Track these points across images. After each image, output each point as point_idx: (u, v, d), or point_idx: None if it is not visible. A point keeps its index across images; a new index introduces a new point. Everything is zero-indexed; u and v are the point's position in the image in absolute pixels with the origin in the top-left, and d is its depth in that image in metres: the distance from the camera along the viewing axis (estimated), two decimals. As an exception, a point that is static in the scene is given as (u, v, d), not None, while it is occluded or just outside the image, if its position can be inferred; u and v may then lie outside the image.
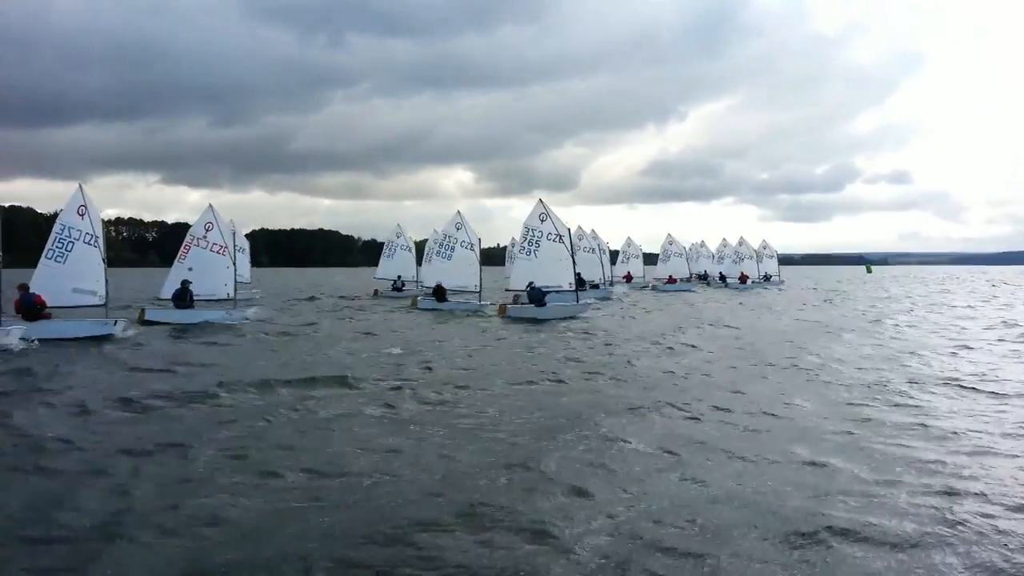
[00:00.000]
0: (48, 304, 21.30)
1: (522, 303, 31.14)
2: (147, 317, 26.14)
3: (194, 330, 24.46)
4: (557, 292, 30.96)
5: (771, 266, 66.47)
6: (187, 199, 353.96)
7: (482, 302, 35.09)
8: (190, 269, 28.23)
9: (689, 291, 54.66)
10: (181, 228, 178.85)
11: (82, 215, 22.90)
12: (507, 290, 33.45)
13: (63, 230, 22.65)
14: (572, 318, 29.28)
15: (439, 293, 34.39)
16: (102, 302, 22.70)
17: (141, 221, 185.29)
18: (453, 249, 35.59)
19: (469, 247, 35.55)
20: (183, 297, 27.07)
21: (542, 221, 31.51)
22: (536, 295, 29.90)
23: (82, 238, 22.71)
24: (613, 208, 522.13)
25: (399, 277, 48.05)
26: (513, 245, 64.32)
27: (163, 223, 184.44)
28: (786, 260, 70.48)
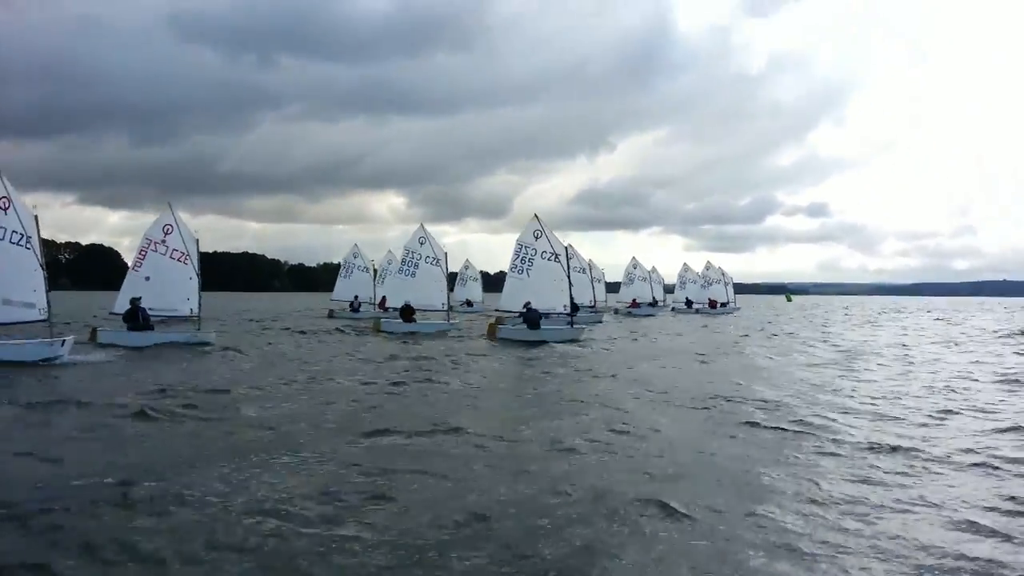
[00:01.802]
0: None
1: (511, 324, 28.38)
2: (100, 340, 22.31)
3: (153, 353, 20.65)
4: (553, 315, 28.35)
5: (729, 293, 65.54)
6: (106, 220, 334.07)
7: (452, 322, 32.18)
8: (147, 279, 24.34)
9: (651, 315, 53.11)
10: (97, 250, 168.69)
11: (4, 209, 18.48)
12: (497, 310, 30.74)
13: (-22, 229, 18.38)
14: (571, 342, 26.68)
15: (406, 313, 30.98)
16: (43, 316, 18.46)
17: (53, 242, 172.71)
18: (417, 265, 32.38)
19: (435, 262, 32.49)
20: (135, 317, 23.11)
21: (536, 238, 28.88)
22: (533, 316, 27.15)
23: (7, 237, 18.31)
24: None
25: (356, 297, 45.89)
26: (467, 268, 61.84)
27: (77, 244, 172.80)
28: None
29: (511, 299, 28.95)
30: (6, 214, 18.37)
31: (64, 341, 18.36)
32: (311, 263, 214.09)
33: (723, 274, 60.85)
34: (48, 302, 18.66)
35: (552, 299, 28.35)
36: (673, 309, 61.25)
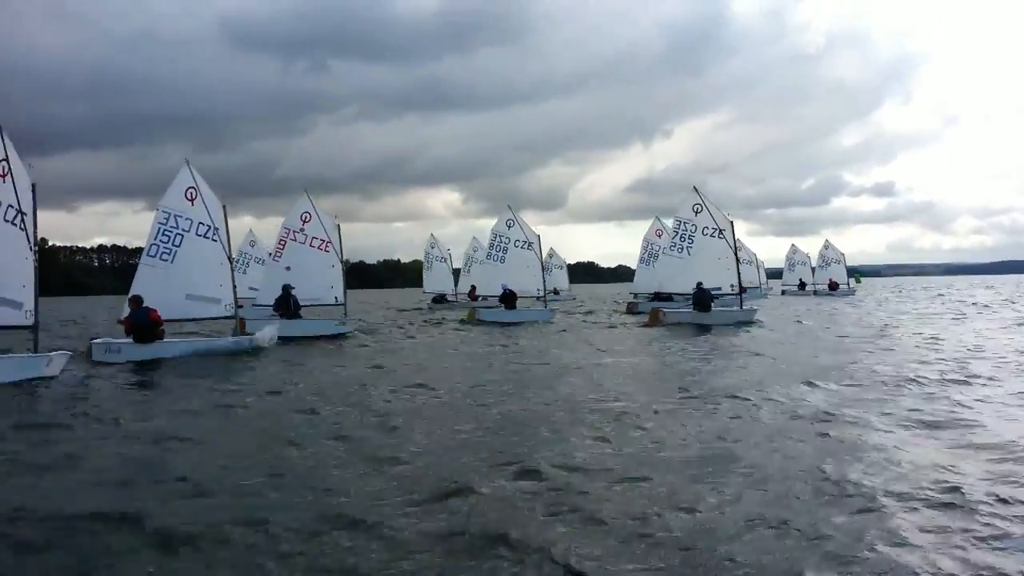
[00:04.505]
0: (161, 317, 15.95)
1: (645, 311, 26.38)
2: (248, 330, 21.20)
3: (306, 344, 19.31)
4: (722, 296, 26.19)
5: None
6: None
7: (550, 309, 30.37)
8: (287, 268, 23.22)
9: (764, 297, 50.24)
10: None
11: (191, 200, 17.60)
12: (657, 293, 28.75)
13: (167, 219, 17.38)
14: (744, 324, 24.49)
15: (508, 300, 28.82)
16: (230, 313, 17.40)
17: (125, 248, 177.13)
18: (506, 250, 30.49)
19: (526, 246, 30.53)
20: (286, 305, 22.05)
21: (696, 213, 26.72)
22: (705, 298, 25.01)
23: (194, 229, 17.47)
24: (603, 226, 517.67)
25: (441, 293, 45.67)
26: (551, 256, 60.02)
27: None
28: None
29: (671, 280, 26.93)
30: (192, 205, 17.46)
31: (252, 339, 17.36)
32: (371, 260, 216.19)
33: (842, 255, 57.18)
34: (235, 297, 17.65)
35: (717, 278, 26.11)
36: (783, 291, 58.12)
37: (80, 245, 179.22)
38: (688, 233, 26.72)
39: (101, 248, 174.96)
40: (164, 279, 16.81)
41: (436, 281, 46.18)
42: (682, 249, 26.74)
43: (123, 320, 15.78)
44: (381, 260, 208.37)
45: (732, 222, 26.62)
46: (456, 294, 44.80)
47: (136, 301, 15.69)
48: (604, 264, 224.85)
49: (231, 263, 17.72)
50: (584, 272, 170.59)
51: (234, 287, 17.61)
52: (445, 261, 47.18)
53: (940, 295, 53.07)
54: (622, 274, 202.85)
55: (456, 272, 47.81)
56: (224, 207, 17.77)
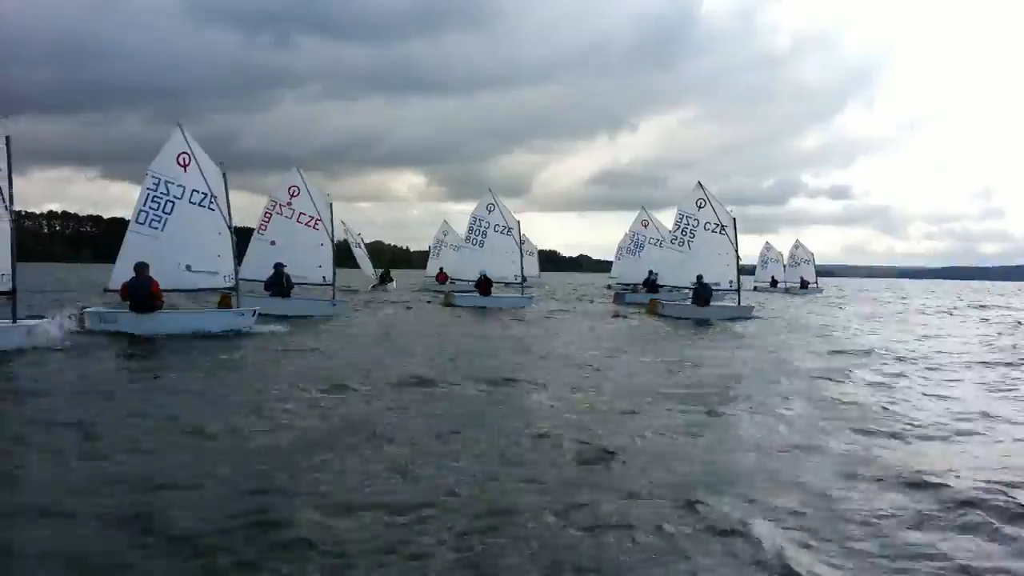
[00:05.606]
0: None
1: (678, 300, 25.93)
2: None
3: (298, 324, 18.15)
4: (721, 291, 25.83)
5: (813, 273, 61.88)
6: (131, 195, 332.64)
7: (528, 296, 29.75)
8: (272, 243, 22.03)
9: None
10: (119, 223, 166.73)
11: (184, 166, 16.32)
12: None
13: (157, 185, 16.10)
14: (740, 320, 24.13)
15: (484, 286, 28.00)
16: (230, 284, 16.27)
17: (76, 215, 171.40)
18: (485, 235, 29.89)
19: (506, 231, 30.00)
20: (279, 283, 20.91)
21: (700, 207, 26.18)
22: (705, 292, 24.55)
23: (187, 196, 16.21)
24: (565, 215, 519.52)
25: (381, 270, 44.25)
26: (523, 242, 59.13)
27: (99, 218, 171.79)
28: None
29: (671, 272, 26.44)
30: (186, 172, 16.40)
31: (255, 311, 16.19)
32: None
33: (811, 254, 58.14)
34: (236, 269, 16.49)
35: (717, 274, 25.66)
36: (755, 288, 58.38)
37: (30, 211, 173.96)
38: (690, 227, 26.20)
39: (52, 214, 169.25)
40: (155, 248, 15.57)
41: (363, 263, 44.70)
42: (683, 243, 26.22)
43: (122, 287, 14.58)
44: (342, 240, 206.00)
45: (735, 219, 26.15)
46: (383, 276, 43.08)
47: (143, 268, 14.53)
48: (566, 253, 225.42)
49: (231, 233, 16.48)
50: (546, 261, 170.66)
51: (234, 258, 16.45)
52: (360, 247, 45.60)
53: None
54: (584, 263, 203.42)
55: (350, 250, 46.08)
56: (224, 174, 16.51)
